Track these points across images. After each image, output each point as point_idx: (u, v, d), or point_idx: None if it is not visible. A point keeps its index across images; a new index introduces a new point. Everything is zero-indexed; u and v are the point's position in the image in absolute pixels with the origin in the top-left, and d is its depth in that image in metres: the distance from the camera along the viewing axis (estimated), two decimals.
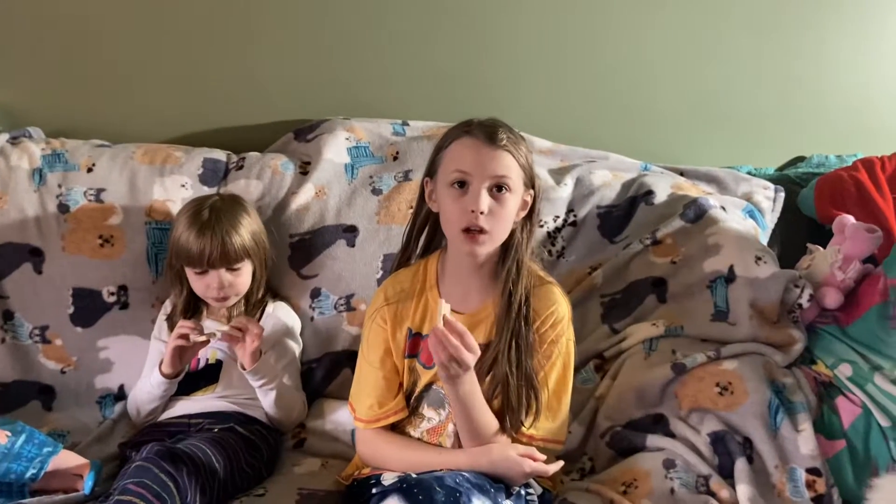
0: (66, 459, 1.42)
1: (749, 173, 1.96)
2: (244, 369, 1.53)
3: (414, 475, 1.26)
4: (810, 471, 1.41)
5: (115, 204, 1.71)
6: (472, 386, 1.30)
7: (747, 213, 1.79)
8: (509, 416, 1.34)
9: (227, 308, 1.63)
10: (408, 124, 1.88)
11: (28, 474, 1.37)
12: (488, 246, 1.34)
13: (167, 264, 1.63)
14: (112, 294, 1.69)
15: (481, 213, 1.30)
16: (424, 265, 1.46)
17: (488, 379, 1.35)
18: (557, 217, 1.76)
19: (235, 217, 1.59)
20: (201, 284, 1.56)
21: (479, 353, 1.27)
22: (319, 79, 1.93)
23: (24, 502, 1.34)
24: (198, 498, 1.30)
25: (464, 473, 1.25)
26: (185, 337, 1.48)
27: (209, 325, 1.62)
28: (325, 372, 1.70)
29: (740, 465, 1.40)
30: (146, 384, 1.57)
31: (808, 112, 2.05)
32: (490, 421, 1.33)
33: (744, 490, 1.37)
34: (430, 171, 1.39)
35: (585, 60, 1.98)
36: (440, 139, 1.39)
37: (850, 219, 1.67)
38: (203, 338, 1.49)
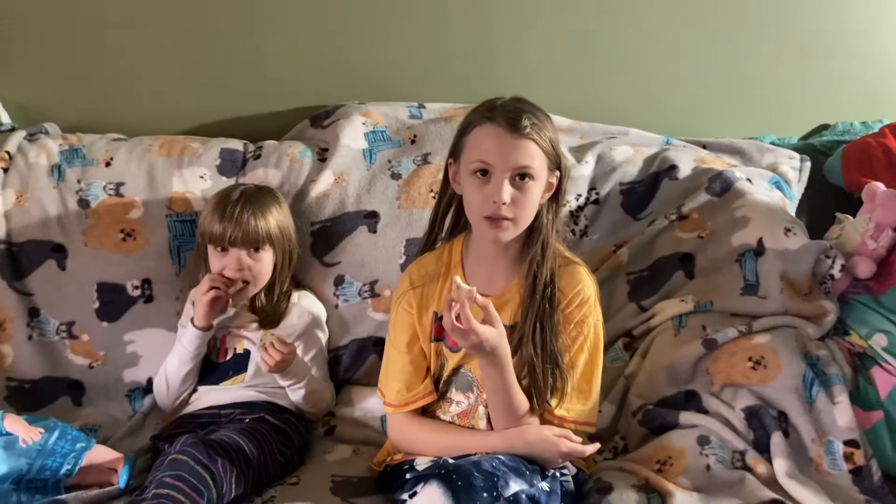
0: (100, 454, 1.42)
1: (772, 143, 1.93)
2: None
3: (450, 460, 1.26)
4: (848, 443, 1.39)
5: (135, 197, 1.71)
6: (506, 361, 1.29)
7: (774, 185, 1.77)
8: (536, 398, 1.33)
9: (249, 300, 1.61)
10: (424, 107, 1.86)
11: (63, 470, 1.38)
12: (512, 232, 1.33)
13: (197, 244, 1.64)
14: (136, 288, 1.69)
15: (504, 203, 1.28)
16: (449, 248, 1.45)
17: (514, 361, 1.33)
18: (579, 195, 1.74)
19: (264, 203, 1.59)
20: (219, 265, 1.56)
21: (499, 323, 1.26)
22: (333, 64, 1.91)
23: (60, 498, 1.34)
24: (233, 488, 1.30)
25: (500, 457, 1.25)
26: (216, 288, 1.50)
27: (233, 314, 1.62)
28: (352, 359, 1.70)
29: (776, 440, 1.39)
30: (176, 349, 1.57)
31: (830, 79, 2.01)
32: (522, 399, 1.32)
33: (781, 464, 1.36)
34: (454, 153, 1.37)
35: (601, 35, 1.94)
36: (463, 121, 1.36)
37: (881, 186, 1.64)
38: (239, 285, 1.52)
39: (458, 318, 1.24)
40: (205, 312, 1.52)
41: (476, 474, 1.17)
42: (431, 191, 1.71)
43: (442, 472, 1.18)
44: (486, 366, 1.30)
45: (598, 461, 1.46)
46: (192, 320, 1.55)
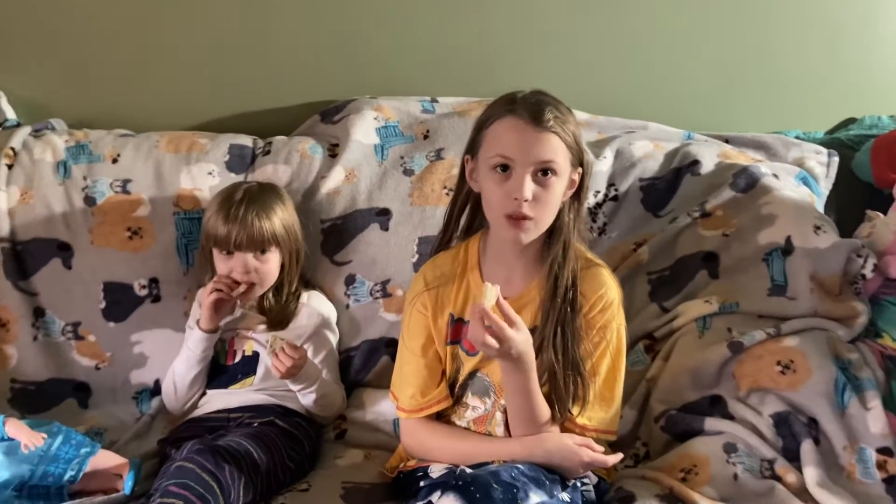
0: (105, 459, 1.39)
1: (797, 138, 1.87)
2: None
3: (467, 469, 1.21)
4: (881, 450, 1.33)
5: (142, 195, 1.67)
6: (531, 366, 1.24)
7: (801, 180, 1.71)
8: (557, 406, 1.28)
9: (257, 302, 1.58)
10: (437, 101, 1.82)
11: (66, 476, 1.35)
12: (533, 232, 1.28)
13: (201, 246, 1.60)
14: (143, 287, 1.65)
15: (525, 200, 1.23)
16: (465, 247, 1.40)
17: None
18: (598, 192, 1.69)
19: (267, 203, 1.55)
20: (226, 268, 1.53)
21: (524, 327, 1.22)
22: (344, 57, 1.87)
23: None
24: (241, 495, 1.27)
25: (519, 466, 1.20)
26: (220, 290, 1.47)
27: (241, 315, 1.58)
28: (364, 360, 1.66)
29: (806, 447, 1.34)
30: (183, 352, 1.54)
31: (857, 70, 1.95)
32: (544, 406, 1.28)
33: (811, 473, 1.31)
34: (471, 150, 1.32)
35: (619, 26, 1.89)
36: (482, 115, 1.32)
37: None
38: (243, 288, 1.49)
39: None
40: (209, 315, 1.49)
41: (495, 486, 1.13)
42: (445, 187, 1.66)
43: (459, 484, 1.13)
44: (509, 371, 1.25)
45: (619, 469, 1.41)
46: (197, 322, 1.51)
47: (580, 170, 1.30)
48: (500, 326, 1.18)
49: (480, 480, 1.14)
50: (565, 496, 1.21)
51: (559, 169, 1.26)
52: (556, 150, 1.25)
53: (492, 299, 1.19)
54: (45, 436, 1.35)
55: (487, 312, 1.17)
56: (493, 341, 1.18)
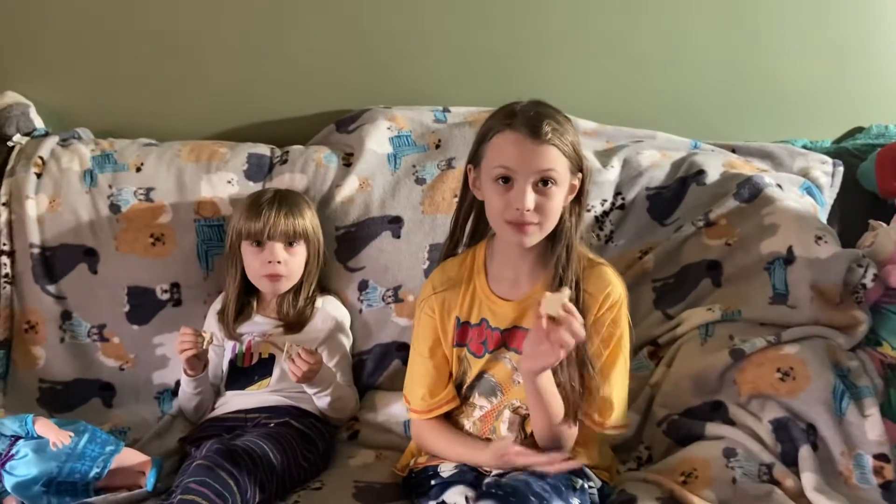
0: (129, 457, 1.45)
1: (804, 147, 1.89)
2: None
3: (503, 480, 1.26)
4: (878, 457, 1.36)
5: (165, 202, 1.73)
6: (550, 375, 1.29)
7: (805, 190, 1.73)
8: (570, 405, 1.31)
9: (276, 303, 1.64)
10: (449, 111, 1.86)
11: (92, 473, 1.40)
12: (536, 236, 1.32)
13: (226, 249, 1.65)
14: (165, 291, 1.71)
15: (527, 210, 1.27)
16: (472, 253, 1.44)
17: None
18: (605, 201, 1.73)
19: (296, 202, 1.64)
20: (257, 261, 1.58)
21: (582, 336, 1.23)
22: (358, 68, 1.92)
23: (89, 501, 1.37)
24: (257, 494, 1.32)
25: (547, 477, 1.24)
26: (188, 349, 1.51)
27: (258, 320, 1.64)
28: (376, 364, 1.70)
29: (804, 453, 1.36)
30: (181, 386, 1.62)
31: (865, 79, 1.96)
32: (560, 407, 1.31)
33: (809, 478, 1.33)
34: (474, 160, 1.37)
35: (627, 36, 1.92)
36: (482, 127, 1.36)
37: None
38: (207, 342, 1.52)
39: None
40: (189, 366, 1.56)
41: (531, 498, 1.18)
42: (455, 196, 1.69)
43: (500, 493, 1.19)
44: (531, 382, 1.28)
45: (621, 472, 1.45)
46: (184, 371, 1.57)
47: (580, 175, 1.34)
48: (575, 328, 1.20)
49: (519, 491, 1.19)
50: (575, 500, 1.24)
51: (559, 178, 1.29)
52: (555, 161, 1.29)
53: (555, 307, 1.20)
54: (72, 434, 1.41)
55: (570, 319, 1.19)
56: (570, 338, 1.20)
